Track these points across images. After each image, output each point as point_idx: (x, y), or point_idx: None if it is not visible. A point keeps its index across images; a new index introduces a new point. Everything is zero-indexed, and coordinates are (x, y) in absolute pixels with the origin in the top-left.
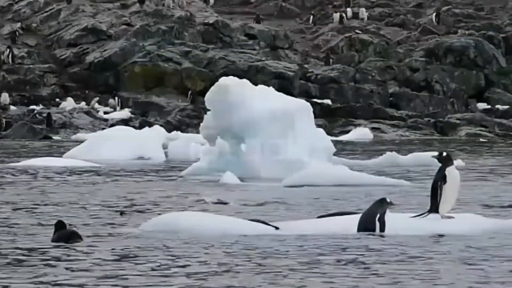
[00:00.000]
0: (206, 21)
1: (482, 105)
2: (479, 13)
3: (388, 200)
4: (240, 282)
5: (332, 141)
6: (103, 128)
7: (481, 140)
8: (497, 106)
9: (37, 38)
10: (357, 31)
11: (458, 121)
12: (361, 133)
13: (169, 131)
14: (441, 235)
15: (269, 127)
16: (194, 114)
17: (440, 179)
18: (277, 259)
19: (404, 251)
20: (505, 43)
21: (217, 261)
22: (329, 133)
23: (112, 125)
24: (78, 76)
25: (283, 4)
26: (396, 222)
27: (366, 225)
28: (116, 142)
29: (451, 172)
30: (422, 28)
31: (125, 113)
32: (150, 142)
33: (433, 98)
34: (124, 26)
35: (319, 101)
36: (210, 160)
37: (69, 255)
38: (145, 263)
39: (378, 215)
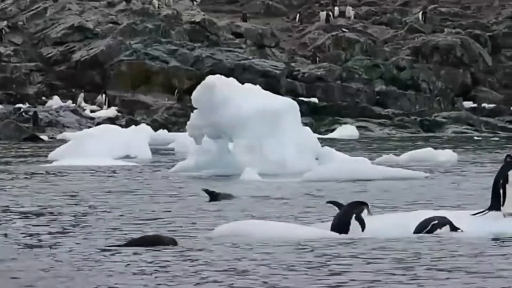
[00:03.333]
0: (192, 19)
1: (468, 104)
2: (465, 11)
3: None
4: None
5: (318, 139)
6: (90, 127)
7: (475, 138)
8: (484, 104)
9: (24, 36)
10: (343, 29)
11: (444, 120)
12: (346, 131)
13: (155, 129)
14: (502, 234)
15: (255, 125)
16: (180, 112)
17: (502, 178)
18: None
19: (465, 251)
20: (491, 42)
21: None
22: (315, 131)
23: (98, 124)
24: (65, 75)
25: (270, 2)
26: (457, 220)
27: (419, 228)
28: (102, 141)
29: None
30: (408, 26)
31: (112, 111)
32: (136, 140)
33: (420, 97)
34: (110, 25)
35: (305, 99)
36: (197, 158)
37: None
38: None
39: (435, 221)
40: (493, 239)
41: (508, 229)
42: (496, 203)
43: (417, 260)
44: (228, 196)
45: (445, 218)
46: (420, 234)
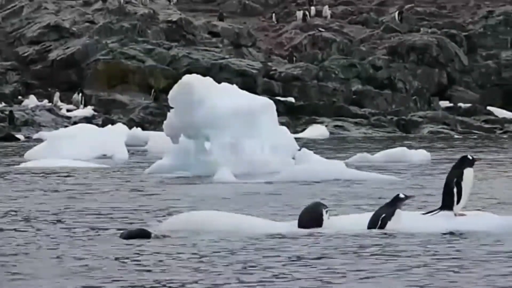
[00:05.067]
0: (169, 18)
1: (444, 103)
2: (441, 11)
3: (401, 196)
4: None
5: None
6: (66, 126)
7: (455, 137)
8: (459, 104)
9: None
10: (320, 29)
11: (420, 119)
12: (317, 131)
13: (131, 128)
14: (453, 233)
15: (232, 125)
16: (157, 112)
17: (455, 177)
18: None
19: (414, 249)
20: (467, 41)
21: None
22: (292, 131)
23: (75, 123)
24: (41, 74)
25: (246, 2)
26: (408, 219)
27: (372, 223)
28: (78, 141)
29: (469, 171)
30: (385, 26)
31: (88, 110)
32: (112, 140)
33: (396, 96)
34: (87, 24)
35: (282, 99)
36: (173, 158)
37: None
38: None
39: (384, 214)
40: (442, 238)
41: (458, 227)
42: (448, 203)
43: (366, 257)
44: None
45: (390, 207)
46: (372, 230)
